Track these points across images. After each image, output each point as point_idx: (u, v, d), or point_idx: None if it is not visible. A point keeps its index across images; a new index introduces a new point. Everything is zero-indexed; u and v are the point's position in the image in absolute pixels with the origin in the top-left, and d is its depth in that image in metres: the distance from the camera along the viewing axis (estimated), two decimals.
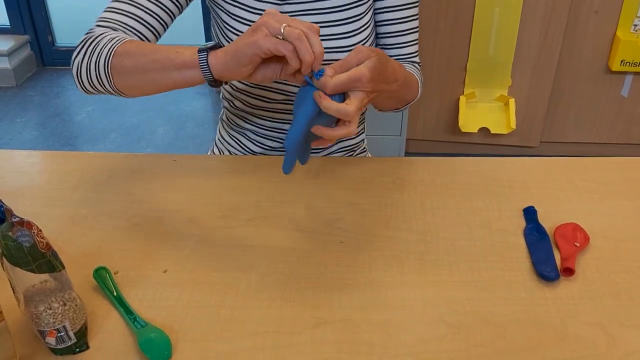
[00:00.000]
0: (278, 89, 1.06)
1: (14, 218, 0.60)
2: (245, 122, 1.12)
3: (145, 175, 0.98)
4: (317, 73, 0.74)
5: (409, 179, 0.98)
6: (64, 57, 3.30)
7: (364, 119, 1.23)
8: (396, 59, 1.03)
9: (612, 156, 1.04)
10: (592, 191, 0.95)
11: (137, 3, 0.94)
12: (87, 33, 0.92)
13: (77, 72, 0.91)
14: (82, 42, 0.91)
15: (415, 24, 1.05)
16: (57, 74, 3.26)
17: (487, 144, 2.54)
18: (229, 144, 1.17)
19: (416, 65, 1.07)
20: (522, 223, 0.88)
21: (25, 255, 0.59)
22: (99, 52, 0.87)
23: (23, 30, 3.21)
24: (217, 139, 1.23)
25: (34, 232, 0.60)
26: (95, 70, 0.87)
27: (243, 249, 0.82)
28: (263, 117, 1.10)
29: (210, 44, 0.80)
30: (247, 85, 1.07)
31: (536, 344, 0.68)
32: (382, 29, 1.04)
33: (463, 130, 2.41)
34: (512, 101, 2.38)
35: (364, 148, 1.25)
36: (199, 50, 0.79)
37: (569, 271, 0.78)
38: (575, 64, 2.37)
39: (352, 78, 0.74)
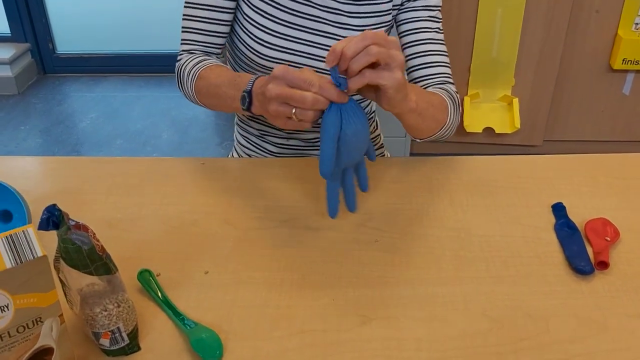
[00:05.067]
0: None
1: (71, 222, 0.61)
2: (260, 123, 1.14)
3: (175, 179, 0.99)
4: (340, 85, 0.74)
5: (436, 178, 0.99)
6: (65, 64, 3.30)
7: (374, 113, 1.24)
8: (423, 80, 1.03)
9: (614, 154, 1.06)
10: (615, 186, 0.97)
11: (207, 19, 1.01)
12: (177, 61, 1.05)
13: (188, 98, 1.05)
14: (176, 74, 1.05)
15: (437, 47, 1.04)
16: (59, 81, 3.25)
17: (491, 144, 2.56)
18: (246, 147, 1.18)
19: (449, 88, 1.03)
20: (552, 219, 0.90)
21: (84, 258, 0.60)
22: (187, 82, 1.01)
23: (24, 38, 3.21)
24: (235, 144, 1.24)
25: (90, 235, 0.61)
26: (190, 97, 1.03)
27: (281, 249, 0.83)
28: None
29: (244, 98, 0.84)
30: None
31: (579, 337, 0.70)
32: (406, 51, 1.05)
33: (468, 130, 2.43)
34: (515, 101, 2.40)
35: (382, 144, 1.26)
36: (244, 108, 0.85)
37: (603, 265, 0.79)
38: (577, 63, 2.39)
39: (388, 38, 0.73)
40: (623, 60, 2.31)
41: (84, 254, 0.60)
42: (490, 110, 2.46)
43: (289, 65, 1.02)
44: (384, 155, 1.25)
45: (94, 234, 0.63)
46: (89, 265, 0.60)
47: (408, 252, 0.83)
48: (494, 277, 0.78)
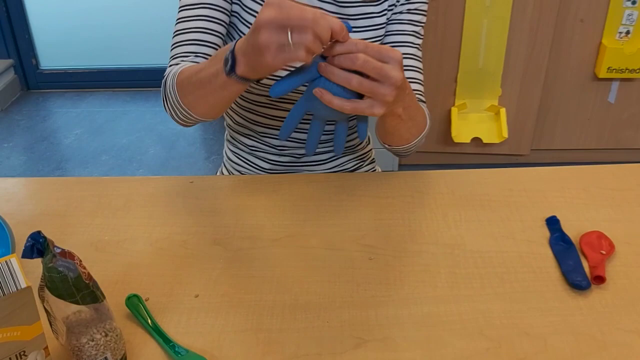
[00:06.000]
0: (283, 108, 1.06)
1: (56, 249, 0.59)
2: (250, 139, 1.12)
3: (163, 198, 0.97)
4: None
5: (428, 193, 0.98)
6: (48, 79, 3.27)
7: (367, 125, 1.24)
8: None
9: (602, 162, 1.06)
10: (608, 198, 0.96)
11: (200, 29, 0.96)
12: (163, 78, 0.95)
13: (171, 115, 0.95)
14: (161, 90, 0.95)
15: (416, 63, 1.04)
16: (43, 97, 3.22)
17: (479, 154, 2.56)
18: (236, 163, 1.17)
19: (422, 105, 1.03)
20: (546, 233, 0.89)
21: (70, 287, 0.58)
22: (169, 86, 0.91)
23: (7, 54, 3.17)
24: (224, 160, 1.22)
25: (77, 263, 0.59)
26: (174, 104, 0.91)
27: (272, 269, 0.82)
28: (269, 135, 1.10)
29: (227, 57, 0.75)
30: (250, 102, 1.07)
31: (578, 354, 0.68)
32: None
33: (456, 140, 2.43)
34: (503, 111, 2.41)
35: (373, 158, 1.25)
36: (227, 73, 0.75)
37: (599, 279, 0.78)
38: (562, 72, 2.41)
39: (389, 52, 0.73)
40: (608, 68, 2.33)
41: (70, 283, 0.57)
42: (478, 121, 2.46)
43: None
44: (374, 170, 1.24)
45: (80, 261, 0.61)
46: (75, 294, 0.58)
47: (402, 270, 0.81)
48: (490, 294, 0.77)
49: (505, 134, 2.40)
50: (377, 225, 0.90)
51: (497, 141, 2.44)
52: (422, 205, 0.95)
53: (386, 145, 0.99)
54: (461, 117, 2.45)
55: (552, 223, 0.90)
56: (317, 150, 1.12)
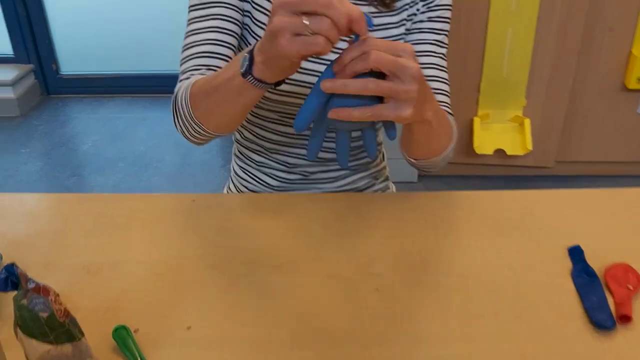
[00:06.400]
0: (292, 124, 1.01)
1: (30, 284, 0.55)
2: (259, 155, 1.08)
3: (163, 218, 0.92)
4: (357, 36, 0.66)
5: (442, 216, 0.92)
6: (68, 85, 3.27)
7: (381, 145, 1.18)
8: None
9: (629, 175, 0.99)
10: (636, 225, 0.90)
11: (211, 40, 0.91)
12: (174, 93, 0.89)
13: (182, 132, 0.90)
14: (171, 106, 0.90)
15: (440, 74, 0.98)
16: (62, 102, 3.22)
17: (502, 165, 2.49)
18: (244, 179, 1.12)
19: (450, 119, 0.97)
20: (568, 263, 0.82)
21: (42, 326, 0.53)
22: (181, 98, 0.85)
23: (27, 59, 3.18)
24: (231, 175, 1.18)
25: (51, 300, 0.55)
26: (186, 119, 0.85)
27: (271, 299, 0.76)
28: (279, 152, 1.05)
29: (245, 58, 0.71)
30: (259, 117, 1.02)
31: None
32: None
33: (478, 152, 2.36)
34: (527, 121, 2.33)
35: (387, 176, 1.20)
36: (243, 74, 0.70)
37: (626, 318, 0.72)
38: (590, 82, 2.32)
39: (399, 45, 0.66)
40: (638, 79, 2.23)
41: (42, 322, 0.53)
42: (501, 132, 2.39)
43: (296, 95, 0.96)
44: (388, 187, 1.18)
45: (57, 295, 0.57)
46: (49, 333, 0.54)
47: (410, 304, 0.75)
48: (505, 334, 0.71)
49: (530, 146, 2.32)
50: (386, 252, 0.85)
51: (520, 153, 2.36)
52: (435, 230, 0.89)
53: (412, 160, 0.93)
54: (484, 127, 2.38)
55: (575, 253, 0.83)
56: (327, 167, 1.07)
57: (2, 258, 0.84)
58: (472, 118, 2.38)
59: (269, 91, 0.94)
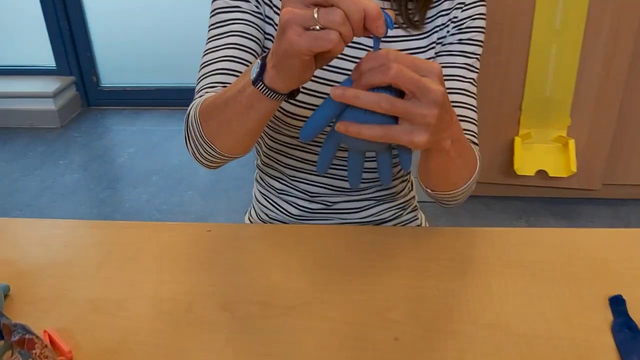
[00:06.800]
0: (315, 151, 0.96)
1: (15, 335, 0.51)
2: (280, 182, 1.03)
3: (175, 249, 0.89)
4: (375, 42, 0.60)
5: (470, 256, 0.86)
6: (108, 97, 3.31)
7: (409, 174, 1.12)
8: None
9: None
10: None
11: (229, 57, 0.87)
12: (187, 112, 0.86)
13: (193, 154, 0.86)
14: (184, 123, 0.86)
15: (469, 100, 0.92)
16: (101, 114, 3.26)
17: (543, 187, 2.38)
18: (264, 206, 1.08)
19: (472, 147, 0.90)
20: (608, 315, 0.75)
21: None
22: (192, 118, 0.82)
23: (69, 71, 3.23)
24: (253, 202, 1.14)
25: (35, 354, 0.51)
26: (196, 138, 0.81)
27: (282, 345, 0.71)
28: (299, 180, 1.00)
29: (257, 64, 0.66)
30: (279, 143, 0.98)
31: None
32: None
33: (519, 173, 2.27)
34: (571, 142, 2.22)
35: (415, 206, 1.13)
36: (254, 82, 0.65)
37: None
38: (639, 102, 2.20)
39: (426, 63, 0.61)
40: None
41: None
42: (544, 152, 2.29)
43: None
44: (417, 219, 1.12)
45: (45, 346, 0.53)
46: None
47: (431, 357, 0.69)
48: None
49: (574, 168, 2.22)
50: (408, 296, 0.79)
51: (564, 175, 2.26)
52: (462, 272, 0.83)
53: (429, 190, 0.87)
54: (525, 147, 2.29)
55: (617, 303, 0.76)
56: (350, 197, 1.02)
57: (9, 290, 0.81)
58: (513, 137, 2.29)
59: (282, 109, 0.89)
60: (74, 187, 2.60)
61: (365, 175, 0.99)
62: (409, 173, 1.11)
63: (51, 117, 3.11)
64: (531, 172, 2.28)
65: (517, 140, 2.27)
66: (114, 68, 3.31)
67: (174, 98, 3.28)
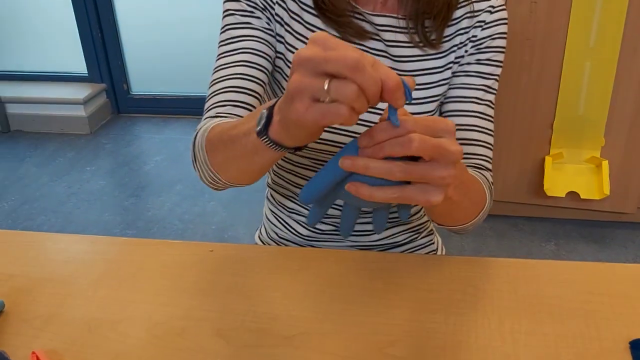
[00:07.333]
0: None
1: None
2: (290, 201, 1.00)
3: (174, 269, 0.86)
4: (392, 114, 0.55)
5: (484, 288, 0.81)
6: (138, 104, 3.34)
7: None
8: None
9: None
10: None
11: (239, 75, 0.85)
12: (195, 132, 0.84)
13: (199, 177, 0.84)
14: (191, 144, 0.84)
15: (485, 124, 0.88)
16: (131, 121, 3.29)
17: (574, 209, 2.30)
18: (275, 225, 1.05)
19: (486, 176, 0.86)
20: (628, 359, 0.69)
21: None
22: (199, 143, 0.79)
23: (100, 78, 3.27)
24: (264, 220, 1.11)
25: None
26: (202, 165, 0.79)
27: None
28: None
29: (262, 114, 0.61)
30: (290, 163, 0.95)
31: None
32: None
33: (549, 193, 2.19)
34: (605, 163, 2.14)
35: (431, 230, 1.09)
36: (258, 133, 0.61)
37: None
38: None
39: (440, 123, 0.57)
40: None
41: None
42: (576, 173, 2.21)
43: (331, 143, 0.89)
44: (432, 243, 1.07)
45: None
46: None
47: None
48: None
49: (607, 190, 2.13)
50: (413, 329, 0.74)
51: (596, 197, 2.17)
52: (474, 306, 0.78)
53: (436, 224, 0.84)
54: (556, 167, 2.21)
55: (637, 348, 0.70)
56: (363, 219, 0.98)
57: (4, 306, 0.80)
58: (543, 157, 2.21)
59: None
60: (99, 194, 2.62)
61: None
62: None
63: (81, 124, 3.14)
64: (562, 193, 2.20)
65: (548, 160, 2.19)
66: (145, 76, 3.33)
67: (201, 107, 3.28)
